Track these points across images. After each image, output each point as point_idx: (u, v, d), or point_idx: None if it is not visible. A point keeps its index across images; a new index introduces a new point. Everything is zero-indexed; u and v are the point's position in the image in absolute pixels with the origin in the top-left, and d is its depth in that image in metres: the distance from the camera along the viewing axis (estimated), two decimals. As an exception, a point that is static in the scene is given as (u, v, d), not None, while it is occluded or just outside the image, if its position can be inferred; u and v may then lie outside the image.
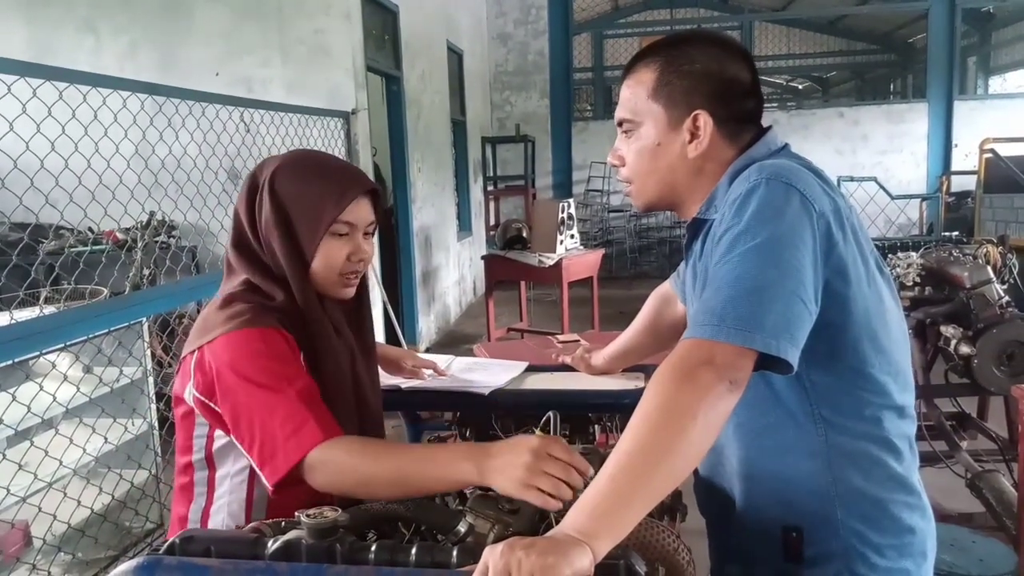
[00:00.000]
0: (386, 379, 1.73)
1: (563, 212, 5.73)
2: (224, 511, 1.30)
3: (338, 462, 1.13)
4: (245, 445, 1.19)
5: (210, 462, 1.31)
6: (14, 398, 2.35)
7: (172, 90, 2.99)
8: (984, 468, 2.77)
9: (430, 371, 1.80)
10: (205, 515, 1.32)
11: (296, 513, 0.95)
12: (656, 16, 13.76)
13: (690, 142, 1.18)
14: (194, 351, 1.26)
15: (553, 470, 1.01)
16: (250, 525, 1.01)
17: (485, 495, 1.05)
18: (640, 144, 1.21)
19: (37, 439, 2.54)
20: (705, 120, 1.16)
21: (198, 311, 3.99)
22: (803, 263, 1.00)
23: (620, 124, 1.24)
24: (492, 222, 9.84)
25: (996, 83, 14.34)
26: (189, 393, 1.26)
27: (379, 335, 5.06)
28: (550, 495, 0.99)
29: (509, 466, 1.02)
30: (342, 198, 1.27)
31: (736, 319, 0.96)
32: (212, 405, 1.23)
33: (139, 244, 4.02)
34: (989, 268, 2.93)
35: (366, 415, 1.37)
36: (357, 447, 1.16)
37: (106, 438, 2.75)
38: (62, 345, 2.43)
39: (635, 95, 1.21)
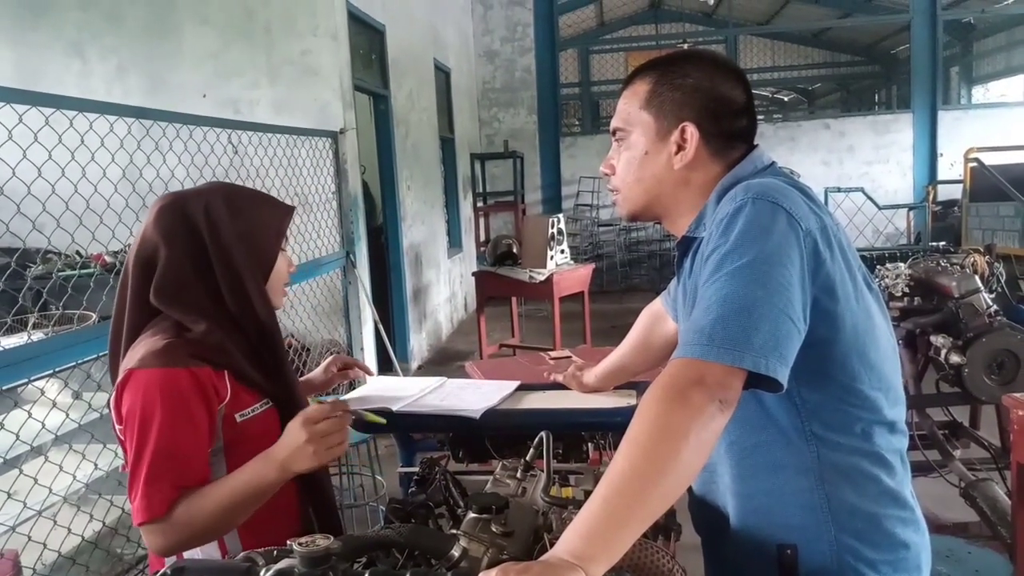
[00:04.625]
0: (376, 402, 1.72)
1: (553, 227, 5.75)
2: None
3: (175, 529, 1.19)
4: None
5: None
6: (2, 426, 2.32)
7: (159, 113, 2.98)
8: (977, 477, 2.77)
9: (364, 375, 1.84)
10: None
11: (288, 542, 0.95)
12: (641, 31, 13.92)
13: (676, 153, 1.20)
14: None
15: (328, 428, 1.20)
16: (242, 554, 1.00)
17: (478, 518, 1.04)
18: (629, 153, 1.25)
19: (26, 467, 2.51)
20: (692, 132, 1.19)
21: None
22: (791, 281, 1.00)
23: (614, 133, 1.28)
24: (482, 238, 9.84)
25: (979, 93, 14.51)
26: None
27: (371, 354, 5.04)
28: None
29: (298, 452, 1.19)
30: (285, 216, 1.41)
31: (725, 339, 0.96)
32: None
33: (128, 267, 3.99)
34: (977, 277, 2.94)
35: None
36: (184, 508, 1.19)
37: (96, 464, 2.72)
38: (51, 371, 2.40)
39: (629, 105, 1.25)
